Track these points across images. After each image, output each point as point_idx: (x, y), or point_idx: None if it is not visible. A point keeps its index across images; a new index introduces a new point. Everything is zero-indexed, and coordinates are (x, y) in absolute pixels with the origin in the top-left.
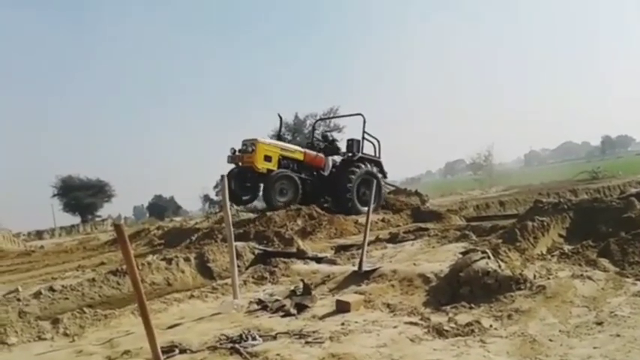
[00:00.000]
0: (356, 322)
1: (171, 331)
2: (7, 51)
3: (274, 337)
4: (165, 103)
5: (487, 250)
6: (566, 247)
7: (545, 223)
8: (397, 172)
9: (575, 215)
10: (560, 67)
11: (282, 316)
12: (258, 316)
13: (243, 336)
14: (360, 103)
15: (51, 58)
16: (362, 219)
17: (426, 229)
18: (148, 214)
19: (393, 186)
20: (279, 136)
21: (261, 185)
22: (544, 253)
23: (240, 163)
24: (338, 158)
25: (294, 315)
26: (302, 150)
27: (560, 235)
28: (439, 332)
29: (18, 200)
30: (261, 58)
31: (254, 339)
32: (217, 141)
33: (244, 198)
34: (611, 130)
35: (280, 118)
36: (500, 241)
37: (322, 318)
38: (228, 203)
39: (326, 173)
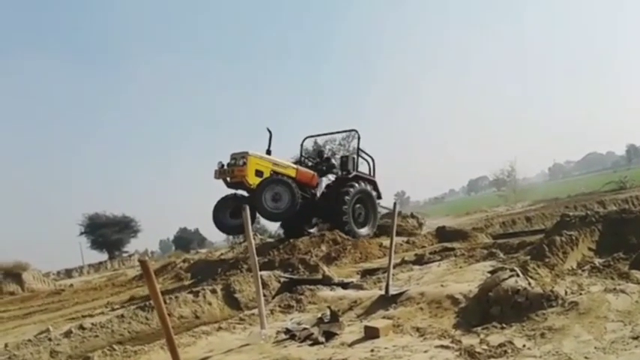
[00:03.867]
0: (386, 348)
1: None
2: (30, 95)
3: None
4: (181, 135)
5: (516, 268)
6: (597, 261)
7: (574, 237)
8: (420, 192)
9: (604, 227)
10: (581, 77)
11: (311, 345)
12: (287, 346)
13: None
14: (378, 126)
15: (73, 100)
16: (386, 242)
17: (452, 249)
18: (173, 248)
19: (387, 209)
20: (268, 153)
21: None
22: (574, 267)
23: (228, 179)
24: (332, 177)
25: (322, 343)
26: (294, 166)
27: (590, 249)
28: (471, 355)
29: (47, 240)
30: (276, 86)
31: None
32: None
33: (236, 224)
34: (636, 138)
35: (270, 132)
36: (528, 257)
37: (351, 345)
38: (251, 233)
39: (318, 193)
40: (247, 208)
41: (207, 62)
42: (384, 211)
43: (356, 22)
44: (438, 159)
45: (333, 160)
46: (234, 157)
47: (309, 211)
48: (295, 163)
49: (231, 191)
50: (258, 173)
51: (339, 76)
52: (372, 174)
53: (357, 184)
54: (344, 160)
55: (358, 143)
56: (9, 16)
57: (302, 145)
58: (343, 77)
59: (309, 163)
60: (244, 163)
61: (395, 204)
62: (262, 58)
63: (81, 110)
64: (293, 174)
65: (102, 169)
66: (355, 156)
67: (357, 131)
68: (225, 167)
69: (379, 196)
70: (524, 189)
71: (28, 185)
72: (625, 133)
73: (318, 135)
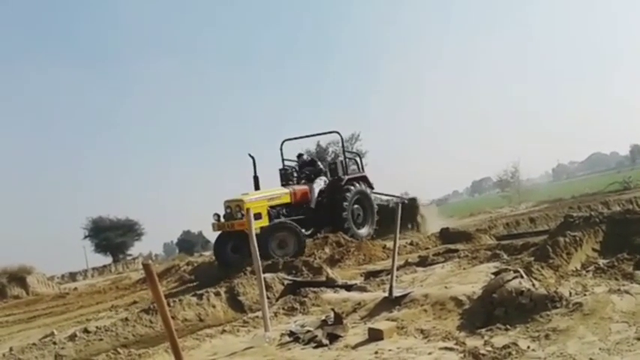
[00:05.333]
0: (390, 350)
1: None
2: (31, 100)
3: None
4: (185, 138)
5: (519, 269)
6: (601, 262)
7: (578, 238)
8: (423, 193)
9: (608, 228)
10: (584, 77)
11: (315, 347)
12: (291, 349)
13: None
14: (380, 127)
15: (75, 104)
16: (390, 243)
17: (456, 251)
18: (177, 250)
19: (381, 194)
20: (255, 178)
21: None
22: (578, 268)
23: (228, 228)
24: (320, 180)
25: (326, 345)
26: (287, 191)
27: (594, 250)
28: (475, 356)
29: (51, 244)
30: (277, 87)
31: None
32: (238, 173)
33: (237, 259)
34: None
35: (252, 158)
36: (532, 258)
37: (355, 347)
38: (254, 234)
39: (313, 204)
40: (251, 210)
41: (209, 65)
42: (383, 198)
43: (358, 22)
44: (441, 160)
45: (319, 164)
46: (228, 205)
47: (306, 223)
48: (282, 170)
49: None
50: (257, 216)
51: (341, 77)
52: (361, 169)
53: (353, 187)
54: (332, 167)
55: (342, 145)
56: (10, 23)
57: (281, 149)
58: (345, 77)
59: (295, 169)
60: (243, 216)
61: (397, 204)
62: (263, 59)
63: (84, 114)
64: (288, 200)
65: (105, 173)
66: (343, 159)
67: (339, 133)
68: (222, 220)
69: (371, 187)
70: (528, 190)
71: (32, 189)
72: (629, 133)
73: (298, 137)
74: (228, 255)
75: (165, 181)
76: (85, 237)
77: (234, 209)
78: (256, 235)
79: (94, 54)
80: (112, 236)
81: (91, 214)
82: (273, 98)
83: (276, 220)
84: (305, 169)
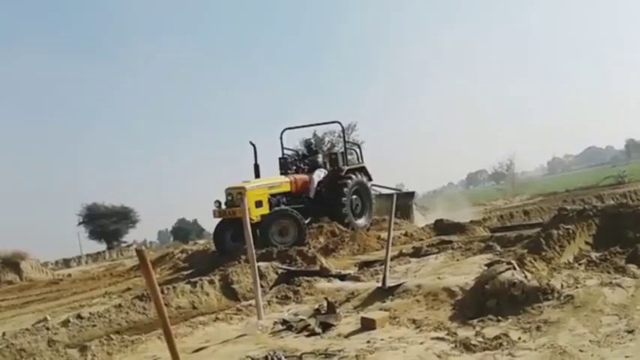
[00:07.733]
0: (382, 340)
1: (196, 355)
2: (29, 84)
3: (300, 358)
4: (181, 126)
5: (512, 261)
6: (594, 255)
7: (571, 231)
8: (419, 185)
9: (601, 221)
10: (581, 71)
11: (307, 336)
12: (283, 337)
13: (269, 357)
14: (378, 118)
15: (73, 89)
16: (384, 234)
17: (450, 242)
18: (172, 238)
19: (381, 187)
20: (256, 166)
21: (257, 231)
22: (571, 261)
23: (229, 217)
24: (319, 171)
25: (319, 334)
26: (287, 180)
27: (587, 243)
28: (467, 347)
29: (45, 230)
30: (274, 81)
31: None
32: (235, 161)
33: (236, 246)
34: (635, 132)
35: (253, 146)
36: (525, 251)
37: (347, 336)
38: (248, 223)
39: (312, 194)
40: (245, 200)
41: (209, 53)
42: (381, 191)
43: (360, 18)
44: (437, 152)
45: (320, 155)
46: (229, 192)
47: (305, 212)
48: (281, 159)
49: None
50: (258, 204)
51: (340, 69)
52: (360, 160)
53: (353, 176)
54: (333, 157)
55: (344, 135)
56: (7, 4)
57: (281, 137)
58: (343, 69)
59: (295, 158)
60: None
61: (394, 195)
62: (260, 51)
63: (81, 100)
64: (288, 188)
65: (101, 160)
66: (344, 150)
67: (340, 123)
68: (224, 207)
69: (369, 178)
70: (523, 183)
71: (27, 174)
72: (624, 127)
73: (298, 127)
74: (227, 242)
75: (161, 168)
76: (80, 223)
77: (236, 196)
78: (258, 222)
79: (93, 39)
80: (106, 223)
81: (86, 201)
82: (270, 88)
83: (278, 208)
84: (307, 158)
